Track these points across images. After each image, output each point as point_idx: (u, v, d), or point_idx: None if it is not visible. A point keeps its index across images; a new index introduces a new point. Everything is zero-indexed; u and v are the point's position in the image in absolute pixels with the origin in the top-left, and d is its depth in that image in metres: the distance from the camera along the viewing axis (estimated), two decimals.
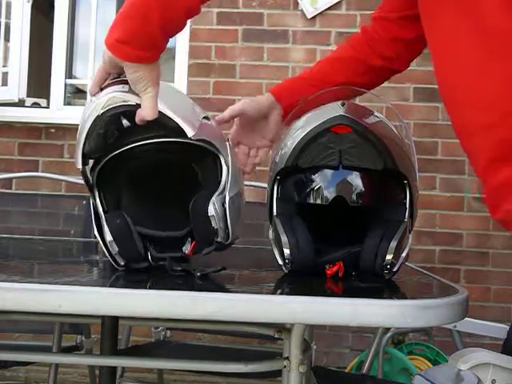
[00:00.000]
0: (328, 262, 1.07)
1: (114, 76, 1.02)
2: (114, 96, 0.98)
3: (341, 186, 1.05)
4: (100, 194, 1.06)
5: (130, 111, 0.99)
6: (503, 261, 3.02)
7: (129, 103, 0.98)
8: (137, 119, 0.98)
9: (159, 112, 0.98)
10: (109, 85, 1.02)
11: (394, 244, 1.02)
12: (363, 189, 1.06)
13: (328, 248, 1.09)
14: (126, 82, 1.00)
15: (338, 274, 1.05)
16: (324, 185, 1.05)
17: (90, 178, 1.05)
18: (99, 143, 1.01)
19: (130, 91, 0.99)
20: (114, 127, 1.00)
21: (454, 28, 0.96)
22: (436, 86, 1.03)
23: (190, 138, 1.01)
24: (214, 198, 1.02)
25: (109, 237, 1.02)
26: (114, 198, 1.08)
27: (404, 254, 1.05)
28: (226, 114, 1.26)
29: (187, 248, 1.06)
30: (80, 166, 1.03)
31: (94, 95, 1.03)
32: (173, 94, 1.08)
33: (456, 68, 0.97)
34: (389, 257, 1.02)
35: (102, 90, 1.02)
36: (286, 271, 1.06)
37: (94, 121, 0.99)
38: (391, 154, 1.02)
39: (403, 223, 1.05)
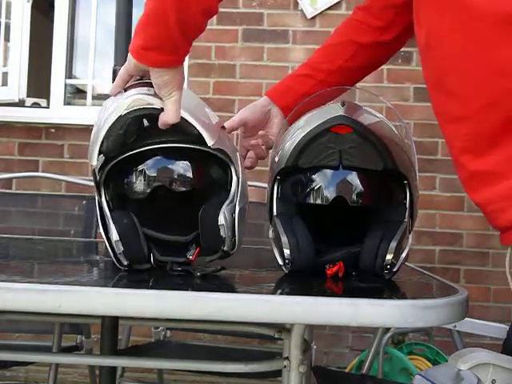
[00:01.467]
0: (328, 261, 1.06)
1: (137, 78, 1.03)
2: (139, 98, 0.99)
3: (341, 186, 1.05)
4: (106, 192, 1.06)
5: (153, 114, 0.99)
6: (503, 261, 3.02)
7: (153, 106, 0.99)
8: (160, 123, 0.99)
9: (181, 117, 0.99)
10: (132, 86, 1.02)
11: (394, 244, 1.02)
12: (363, 189, 1.06)
13: (328, 248, 1.09)
14: (150, 85, 1.01)
15: (337, 274, 1.05)
16: (324, 185, 1.05)
17: (98, 175, 1.05)
18: (118, 143, 1.01)
19: (156, 95, 0.99)
20: (134, 129, 1.01)
21: (439, 16, 0.97)
22: None
23: (209, 147, 1.02)
24: (224, 208, 1.03)
25: (115, 236, 1.02)
26: (120, 198, 1.08)
27: (404, 255, 1.05)
28: (227, 127, 1.24)
29: (191, 254, 1.06)
30: (94, 163, 1.03)
31: (115, 96, 1.03)
32: (193, 101, 1.08)
33: (442, 55, 0.98)
34: (389, 257, 1.02)
35: (125, 90, 1.02)
36: (286, 271, 1.06)
37: (116, 120, 0.99)
38: (391, 154, 1.03)
39: (403, 223, 1.05)
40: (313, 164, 1.05)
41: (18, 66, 3.34)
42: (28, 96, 3.39)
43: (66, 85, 3.35)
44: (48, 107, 3.35)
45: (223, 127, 1.10)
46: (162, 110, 0.99)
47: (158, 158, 1.06)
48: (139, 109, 0.99)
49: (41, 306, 0.88)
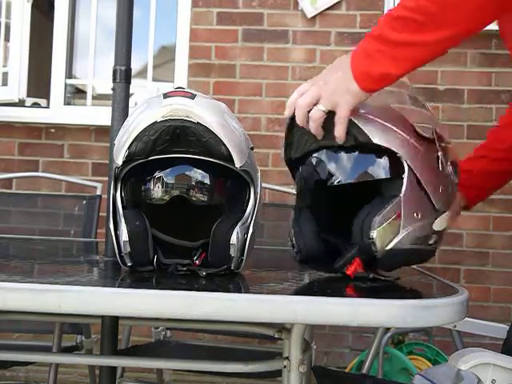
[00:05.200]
0: (335, 253, 1.05)
1: (179, 86, 1.03)
2: (178, 109, 0.99)
3: (320, 168, 1.04)
4: (122, 188, 1.06)
5: (186, 127, 0.99)
6: (503, 261, 3.02)
7: (189, 119, 0.99)
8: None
9: (214, 135, 1.00)
10: (174, 93, 1.02)
11: (377, 219, 0.98)
12: (348, 166, 1.04)
13: (341, 241, 1.08)
14: (192, 96, 1.01)
15: (355, 270, 1.03)
16: (308, 171, 1.06)
17: (118, 170, 1.05)
18: (147, 147, 1.01)
19: (195, 107, 0.99)
20: (166, 137, 1.00)
21: None
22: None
23: (235, 167, 1.03)
24: (237, 227, 1.03)
25: (124, 236, 1.02)
26: (135, 197, 1.08)
27: (403, 235, 0.99)
28: None
29: (197, 257, 1.06)
30: (120, 163, 1.03)
31: (151, 99, 1.03)
32: (231, 120, 1.08)
33: None
34: (372, 233, 0.99)
35: (165, 95, 1.02)
36: (297, 261, 1.07)
37: (150, 125, 0.99)
38: (361, 129, 1.00)
39: (395, 198, 0.99)
40: (300, 153, 1.06)
41: (18, 66, 3.33)
42: (28, 96, 3.39)
43: (66, 85, 3.35)
44: (48, 107, 3.34)
45: (252, 148, 1.10)
46: (198, 123, 0.99)
47: (182, 166, 1.06)
48: (176, 119, 0.99)
49: (41, 306, 0.88)
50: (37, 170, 3.23)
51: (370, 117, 1.02)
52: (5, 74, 3.36)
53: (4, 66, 3.38)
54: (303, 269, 1.12)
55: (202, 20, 3.14)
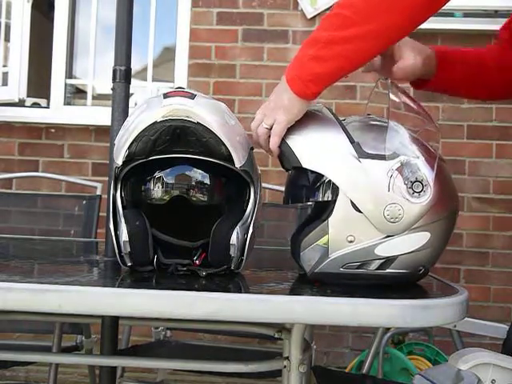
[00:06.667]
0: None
1: (179, 86, 1.03)
2: (178, 109, 0.99)
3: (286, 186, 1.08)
4: (122, 188, 1.06)
5: (186, 127, 0.99)
6: (503, 261, 3.02)
7: (189, 119, 0.99)
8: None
9: (214, 135, 1.00)
10: (174, 94, 1.02)
11: (304, 243, 1.01)
12: (296, 187, 1.08)
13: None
14: (192, 96, 1.01)
15: None
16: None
17: (118, 170, 1.05)
18: (147, 147, 1.01)
19: (195, 107, 0.99)
20: (166, 137, 1.01)
21: None
22: None
23: (235, 167, 1.03)
24: (238, 227, 1.03)
25: (124, 236, 1.02)
26: (135, 197, 1.08)
27: (331, 259, 0.99)
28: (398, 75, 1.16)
29: (197, 257, 1.06)
30: (120, 163, 1.03)
31: (151, 98, 1.04)
32: (230, 119, 1.08)
33: None
34: (301, 254, 1.01)
35: (165, 96, 1.02)
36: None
37: (150, 125, 0.99)
38: (292, 152, 1.01)
39: (324, 221, 0.99)
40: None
41: (18, 66, 3.33)
42: (28, 96, 3.39)
43: (66, 85, 3.35)
44: (48, 107, 3.34)
45: (252, 148, 1.10)
46: (198, 123, 0.99)
47: (182, 166, 1.06)
48: (175, 119, 0.99)
49: (41, 306, 0.88)
50: (37, 170, 3.23)
51: (305, 139, 1.01)
52: (5, 74, 3.36)
53: (4, 66, 3.38)
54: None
55: (202, 20, 3.14)
